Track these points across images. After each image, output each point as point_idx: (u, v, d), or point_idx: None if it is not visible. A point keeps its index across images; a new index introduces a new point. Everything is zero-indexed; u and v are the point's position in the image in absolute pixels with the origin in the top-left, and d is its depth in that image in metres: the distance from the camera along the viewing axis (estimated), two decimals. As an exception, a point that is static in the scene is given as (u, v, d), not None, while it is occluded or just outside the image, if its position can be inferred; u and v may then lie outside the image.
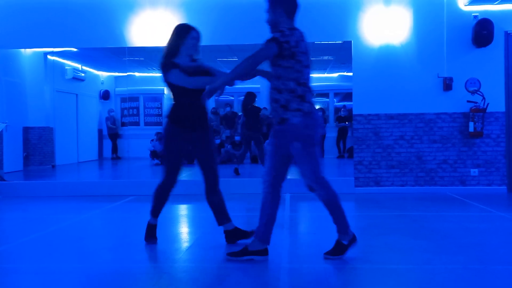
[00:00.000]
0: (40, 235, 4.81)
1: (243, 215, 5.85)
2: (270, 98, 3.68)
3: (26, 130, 10.11)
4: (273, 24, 3.70)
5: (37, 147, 10.31)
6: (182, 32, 4.12)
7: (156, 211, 4.27)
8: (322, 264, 3.65)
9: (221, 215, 4.26)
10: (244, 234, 4.21)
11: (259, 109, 9.73)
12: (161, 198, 4.25)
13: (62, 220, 5.62)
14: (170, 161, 4.18)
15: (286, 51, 3.52)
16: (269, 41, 3.54)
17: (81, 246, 4.39)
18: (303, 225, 5.62)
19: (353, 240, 3.78)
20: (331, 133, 12.51)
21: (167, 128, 4.15)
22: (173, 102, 4.16)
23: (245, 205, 6.56)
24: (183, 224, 5.71)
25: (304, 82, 3.62)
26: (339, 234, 3.77)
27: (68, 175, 10.40)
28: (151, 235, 4.30)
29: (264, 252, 3.74)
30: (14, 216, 6.05)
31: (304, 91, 3.61)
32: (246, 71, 3.62)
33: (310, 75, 3.71)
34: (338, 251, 3.74)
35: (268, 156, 3.79)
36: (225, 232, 4.26)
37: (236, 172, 9.14)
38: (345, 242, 3.75)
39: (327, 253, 3.77)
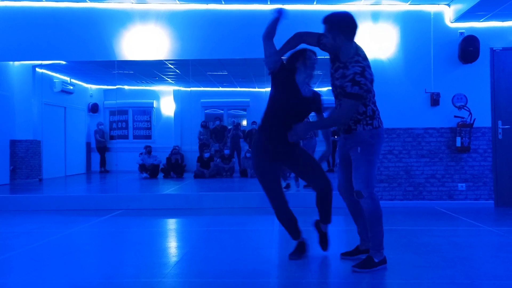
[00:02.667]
0: (26, 249, 4.75)
1: (232, 230, 5.83)
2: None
3: (13, 143, 10.02)
4: (334, 48, 3.93)
5: (24, 160, 10.22)
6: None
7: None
8: (310, 279, 3.64)
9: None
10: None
11: None
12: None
13: (49, 235, 5.56)
14: None
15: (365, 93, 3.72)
16: (351, 97, 3.72)
17: (67, 261, 4.34)
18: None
19: (383, 261, 3.82)
20: (320, 147, 12.50)
21: None
22: None
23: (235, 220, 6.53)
24: (172, 238, 5.67)
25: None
26: (371, 250, 3.82)
27: (55, 188, 10.28)
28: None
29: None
30: (0, 230, 5.97)
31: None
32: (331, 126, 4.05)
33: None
34: (367, 265, 3.77)
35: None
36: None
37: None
38: (376, 260, 3.78)
39: (355, 266, 3.78)
